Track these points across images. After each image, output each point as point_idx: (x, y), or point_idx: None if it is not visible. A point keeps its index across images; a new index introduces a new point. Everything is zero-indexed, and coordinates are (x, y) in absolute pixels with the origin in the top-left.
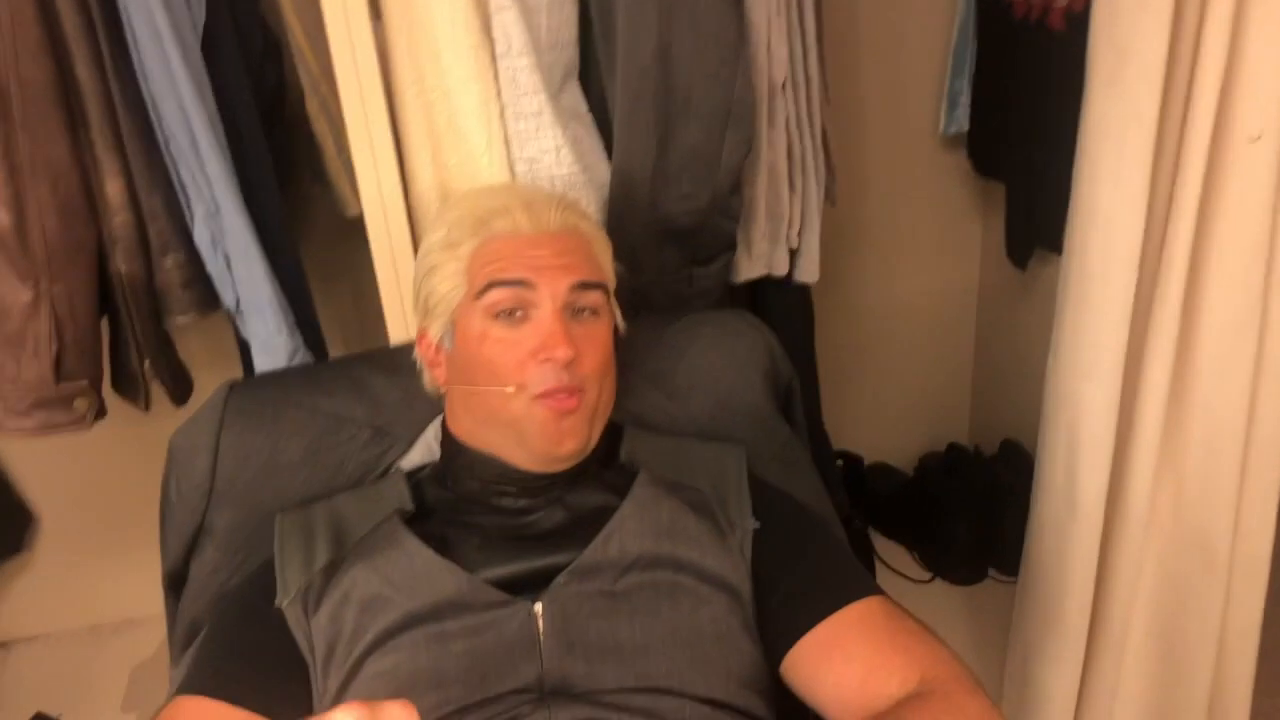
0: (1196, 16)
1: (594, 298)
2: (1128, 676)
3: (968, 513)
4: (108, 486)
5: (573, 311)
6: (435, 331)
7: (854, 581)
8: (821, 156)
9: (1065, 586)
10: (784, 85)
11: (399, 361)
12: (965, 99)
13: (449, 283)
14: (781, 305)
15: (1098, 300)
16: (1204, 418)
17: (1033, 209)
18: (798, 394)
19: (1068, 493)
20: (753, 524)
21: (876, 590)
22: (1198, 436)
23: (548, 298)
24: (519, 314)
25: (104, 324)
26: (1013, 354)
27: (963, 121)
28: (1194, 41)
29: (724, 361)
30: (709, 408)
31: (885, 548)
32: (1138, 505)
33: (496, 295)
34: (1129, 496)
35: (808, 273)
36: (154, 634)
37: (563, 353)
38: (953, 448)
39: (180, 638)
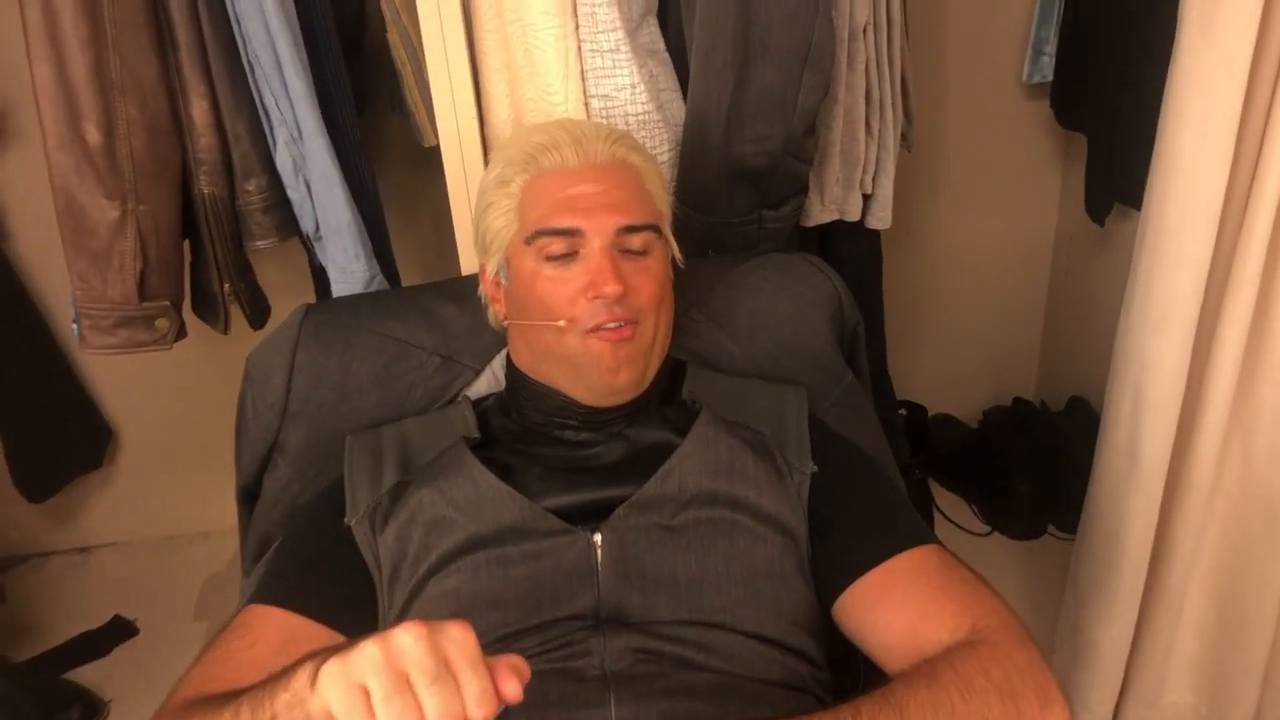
0: None
1: (643, 237)
2: (1182, 638)
3: (1030, 468)
4: (186, 406)
5: (622, 248)
6: (492, 268)
7: (910, 529)
8: (900, 102)
9: (1123, 546)
10: (865, 28)
11: (469, 291)
12: (1051, 48)
13: (502, 220)
14: (851, 250)
15: (1174, 256)
16: (1276, 380)
17: (1114, 163)
18: (862, 340)
19: (1130, 452)
20: (811, 467)
21: (932, 539)
22: (1269, 399)
23: (595, 237)
24: (568, 253)
25: (186, 248)
26: (1086, 310)
27: (1047, 71)
28: None
29: (789, 304)
30: (772, 350)
31: (945, 499)
32: (1203, 467)
33: (544, 242)
34: (1194, 458)
35: (880, 219)
36: (225, 547)
37: (611, 289)
38: (1019, 402)
39: (252, 549)
